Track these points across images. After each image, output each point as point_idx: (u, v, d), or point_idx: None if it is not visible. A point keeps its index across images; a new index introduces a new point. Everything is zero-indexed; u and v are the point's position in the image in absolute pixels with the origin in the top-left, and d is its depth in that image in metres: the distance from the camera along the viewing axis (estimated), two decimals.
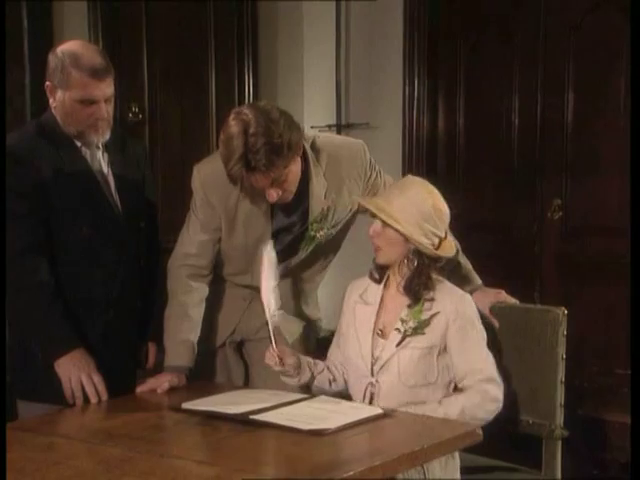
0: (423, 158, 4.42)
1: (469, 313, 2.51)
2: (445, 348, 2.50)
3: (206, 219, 2.67)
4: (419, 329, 2.48)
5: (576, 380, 3.61)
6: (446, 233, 2.54)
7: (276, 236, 2.66)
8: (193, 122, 4.52)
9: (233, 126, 2.41)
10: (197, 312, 2.69)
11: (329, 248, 2.76)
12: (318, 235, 2.66)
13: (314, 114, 4.63)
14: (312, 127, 4.59)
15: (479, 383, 2.47)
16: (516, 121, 4.16)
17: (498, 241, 4.25)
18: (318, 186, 2.62)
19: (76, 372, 2.52)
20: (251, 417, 2.24)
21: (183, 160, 4.51)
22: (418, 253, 2.48)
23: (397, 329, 2.50)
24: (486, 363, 2.50)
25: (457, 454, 2.48)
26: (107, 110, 2.58)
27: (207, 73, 4.52)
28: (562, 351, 2.62)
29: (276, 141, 2.39)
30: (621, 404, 3.43)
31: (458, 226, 4.36)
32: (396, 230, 2.46)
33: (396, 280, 2.54)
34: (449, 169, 4.42)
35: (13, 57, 3.92)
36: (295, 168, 2.52)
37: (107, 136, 2.63)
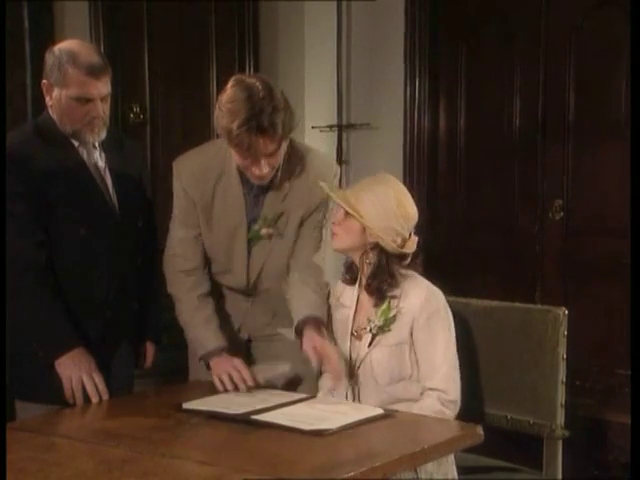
0: (424, 158, 4.42)
1: (435, 307, 2.50)
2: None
3: (185, 214, 2.69)
4: (385, 327, 2.49)
5: (577, 380, 3.61)
6: (410, 234, 2.53)
7: (249, 228, 2.67)
8: (195, 122, 4.51)
9: (237, 91, 2.45)
10: (207, 302, 2.70)
11: (278, 251, 2.72)
12: (262, 232, 2.66)
13: (315, 114, 4.62)
14: (313, 127, 4.60)
15: (440, 384, 2.46)
16: (517, 121, 4.16)
17: (499, 241, 4.25)
18: (280, 185, 2.63)
19: (77, 371, 2.52)
20: (252, 417, 2.25)
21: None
22: (378, 249, 2.49)
23: (365, 329, 2.51)
24: (448, 363, 2.47)
25: (452, 454, 2.48)
26: (103, 109, 2.59)
27: (208, 73, 4.52)
28: (563, 351, 2.62)
29: (280, 106, 2.44)
30: (622, 404, 3.43)
31: (460, 226, 4.41)
32: (355, 219, 2.48)
33: (364, 279, 2.55)
34: (450, 169, 4.42)
35: (14, 56, 3.92)
36: (281, 154, 2.54)
37: (103, 135, 2.64)
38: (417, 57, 4.36)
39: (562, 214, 4.03)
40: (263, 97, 2.42)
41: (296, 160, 2.65)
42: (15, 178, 2.53)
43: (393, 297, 2.50)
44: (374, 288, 2.51)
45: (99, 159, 2.67)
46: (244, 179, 2.62)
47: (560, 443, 2.63)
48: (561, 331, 2.61)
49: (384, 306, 2.50)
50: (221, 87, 4.54)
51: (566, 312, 2.64)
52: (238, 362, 2.58)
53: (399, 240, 2.49)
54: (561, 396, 2.61)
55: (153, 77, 4.41)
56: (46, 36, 4.02)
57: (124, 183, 2.71)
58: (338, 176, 2.74)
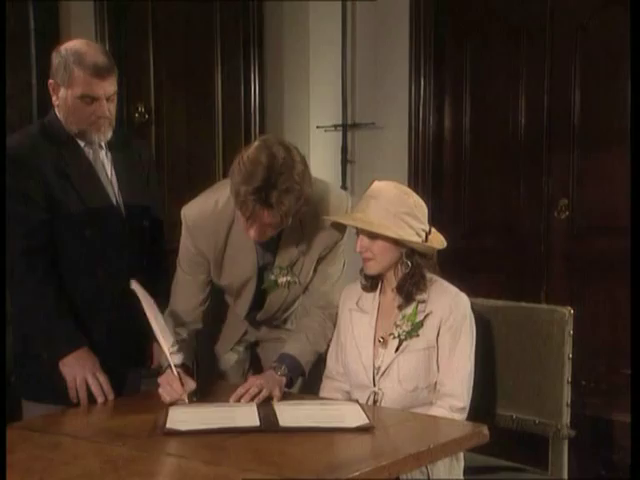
0: (429, 158, 4.41)
1: (462, 313, 2.49)
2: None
3: (190, 263, 2.63)
4: (413, 332, 2.46)
5: (583, 380, 3.61)
6: (430, 227, 2.51)
7: (261, 274, 2.64)
8: (199, 122, 4.52)
9: (260, 154, 2.35)
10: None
11: (295, 292, 2.71)
12: (279, 281, 2.63)
13: (320, 114, 4.62)
14: (318, 127, 4.60)
15: (453, 389, 2.45)
16: (522, 121, 4.15)
17: (505, 240, 4.25)
18: (293, 233, 2.57)
19: (81, 371, 2.53)
20: (283, 425, 2.20)
21: (189, 160, 4.53)
22: (410, 254, 2.46)
23: (392, 334, 2.49)
24: (464, 369, 2.47)
25: (462, 455, 2.48)
26: (109, 108, 2.59)
27: (213, 73, 4.52)
28: (568, 350, 2.61)
29: (295, 188, 2.35)
30: (628, 404, 3.42)
31: (465, 225, 4.40)
32: (388, 237, 2.43)
33: (390, 285, 2.52)
34: (455, 169, 4.41)
35: (20, 57, 3.93)
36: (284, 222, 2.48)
37: (109, 135, 2.64)
38: (422, 56, 4.36)
39: (567, 213, 4.03)
40: (281, 172, 2.33)
41: (307, 206, 2.55)
42: (20, 179, 2.54)
43: (421, 301, 2.48)
44: (405, 290, 2.47)
45: (105, 159, 2.68)
46: None
47: (566, 443, 2.62)
48: (567, 330, 2.61)
49: (410, 310, 2.48)
50: (226, 87, 4.62)
51: (572, 311, 2.63)
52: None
53: (424, 235, 2.47)
54: (567, 395, 2.61)
55: (158, 77, 4.42)
56: (51, 37, 4.04)
57: (130, 183, 2.71)
58: (350, 209, 2.62)
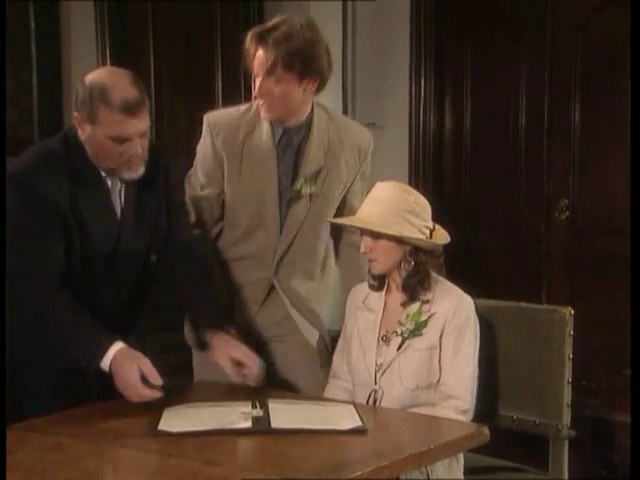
0: (430, 158, 4.42)
1: (466, 315, 2.49)
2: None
3: (209, 177, 2.70)
4: (416, 331, 2.47)
5: (583, 380, 3.60)
6: (434, 225, 2.53)
7: (282, 184, 2.67)
8: (200, 123, 4.52)
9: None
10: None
11: (315, 212, 2.70)
12: (303, 191, 2.64)
13: None
14: None
15: (458, 391, 2.45)
16: (523, 121, 4.16)
17: (505, 241, 4.26)
18: (318, 140, 2.67)
19: (131, 366, 2.32)
20: (275, 427, 2.19)
21: (190, 160, 4.53)
22: (414, 252, 2.47)
23: (395, 332, 2.49)
24: (469, 372, 2.47)
25: (462, 455, 2.47)
26: (142, 145, 2.34)
27: (214, 74, 4.53)
28: (569, 351, 2.61)
29: (303, 48, 2.54)
30: (628, 404, 3.42)
31: (465, 226, 4.40)
32: (391, 236, 2.44)
33: (396, 284, 2.53)
34: (456, 169, 4.42)
35: (20, 57, 3.94)
36: (291, 92, 2.60)
37: (141, 171, 2.39)
38: (422, 56, 4.37)
39: (568, 213, 4.03)
40: (291, 33, 2.53)
41: (332, 125, 2.71)
42: (39, 195, 2.33)
43: (425, 301, 2.48)
44: (410, 288, 2.48)
45: (122, 190, 2.46)
46: (275, 132, 2.65)
47: (566, 443, 2.62)
48: (567, 331, 2.61)
49: (414, 310, 2.49)
50: (227, 88, 4.61)
51: (572, 312, 2.63)
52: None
53: (428, 233, 2.48)
54: (567, 396, 2.61)
55: (159, 78, 4.43)
56: (52, 37, 4.05)
57: (145, 216, 2.50)
58: (372, 143, 2.79)
